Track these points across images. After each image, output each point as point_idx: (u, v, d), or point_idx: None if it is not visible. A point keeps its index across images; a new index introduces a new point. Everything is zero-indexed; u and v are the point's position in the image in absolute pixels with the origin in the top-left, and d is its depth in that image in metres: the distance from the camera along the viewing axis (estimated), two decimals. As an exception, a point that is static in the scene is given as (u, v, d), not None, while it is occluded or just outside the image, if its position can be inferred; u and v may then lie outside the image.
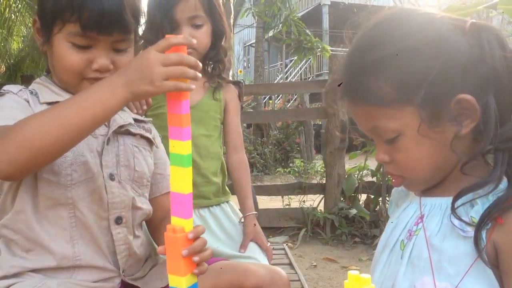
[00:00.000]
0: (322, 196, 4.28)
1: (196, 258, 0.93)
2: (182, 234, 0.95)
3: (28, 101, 1.09)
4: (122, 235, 1.15)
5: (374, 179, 4.33)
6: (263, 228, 1.70)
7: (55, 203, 1.07)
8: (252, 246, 1.59)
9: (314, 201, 4.36)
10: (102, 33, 1.07)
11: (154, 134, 1.30)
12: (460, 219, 0.77)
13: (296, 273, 2.34)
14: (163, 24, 1.51)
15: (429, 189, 0.89)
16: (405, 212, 0.91)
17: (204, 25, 1.55)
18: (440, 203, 0.84)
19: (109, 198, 1.12)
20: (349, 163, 4.59)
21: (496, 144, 0.77)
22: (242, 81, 1.83)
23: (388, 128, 0.82)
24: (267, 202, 5.01)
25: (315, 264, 3.44)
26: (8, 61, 8.19)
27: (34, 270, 1.08)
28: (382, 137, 0.84)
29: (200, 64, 0.94)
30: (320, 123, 9.73)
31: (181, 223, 0.95)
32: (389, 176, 4.04)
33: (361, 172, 4.40)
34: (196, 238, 0.96)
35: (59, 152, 1.00)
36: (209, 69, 1.68)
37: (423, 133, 0.80)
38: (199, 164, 1.62)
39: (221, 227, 1.65)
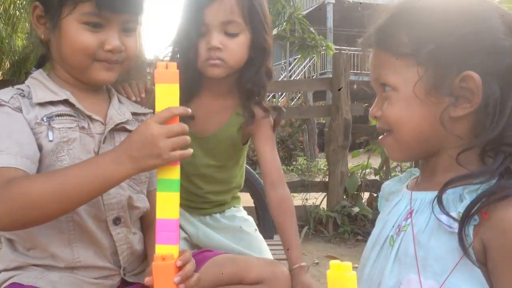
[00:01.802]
0: (324, 194, 4.28)
1: (181, 286, 0.93)
2: (172, 261, 0.94)
3: (21, 109, 1.06)
4: (122, 235, 1.14)
5: (377, 177, 4.34)
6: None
7: None
8: (255, 243, 1.56)
9: (317, 199, 4.36)
10: (116, 11, 1.06)
11: None
12: (446, 213, 0.75)
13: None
14: (190, 28, 1.28)
15: (421, 184, 0.88)
16: (396, 207, 0.90)
17: (240, 34, 1.28)
18: (430, 198, 0.82)
19: (105, 200, 1.10)
20: (352, 162, 4.59)
21: (503, 147, 0.75)
22: (282, 108, 1.47)
23: (389, 81, 0.84)
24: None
25: (317, 261, 3.44)
26: (13, 58, 8.20)
27: (35, 264, 1.09)
28: (382, 89, 0.86)
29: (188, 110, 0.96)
30: (324, 121, 9.72)
31: (169, 250, 0.94)
32: (392, 175, 4.06)
33: (364, 171, 4.41)
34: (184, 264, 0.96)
35: (56, 217, 1.02)
36: (244, 91, 1.36)
37: (418, 95, 0.80)
38: (202, 188, 1.51)
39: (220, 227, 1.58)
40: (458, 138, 0.80)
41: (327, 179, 4.34)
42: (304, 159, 8.88)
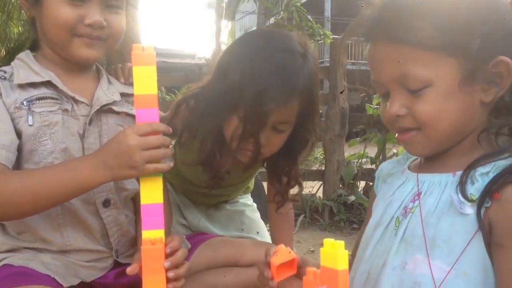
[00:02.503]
0: (321, 182, 4.29)
1: (171, 274, 0.92)
2: (161, 245, 0.93)
3: (0, 94, 1.04)
4: (112, 217, 1.13)
5: (373, 166, 4.34)
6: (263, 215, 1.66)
7: None
8: (255, 228, 1.56)
9: (313, 187, 4.37)
10: None
11: None
12: (464, 194, 0.76)
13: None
14: (250, 117, 1.10)
15: (426, 166, 0.88)
16: (401, 189, 0.89)
17: (286, 131, 1.18)
18: (439, 180, 0.82)
19: None
20: (349, 151, 4.60)
21: None
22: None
23: (419, 76, 0.78)
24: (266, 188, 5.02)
25: (312, 249, 3.45)
26: (8, 45, 8.14)
27: (26, 248, 1.08)
28: (406, 86, 0.80)
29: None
30: (321, 111, 9.72)
31: (155, 235, 0.94)
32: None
33: (360, 160, 4.42)
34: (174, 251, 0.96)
35: (30, 215, 1.02)
36: (275, 178, 1.30)
37: (455, 88, 0.77)
38: (211, 194, 1.47)
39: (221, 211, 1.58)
40: (482, 123, 0.81)
41: (323, 168, 4.34)
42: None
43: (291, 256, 0.84)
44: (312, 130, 1.23)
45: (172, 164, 0.95)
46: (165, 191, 1.25)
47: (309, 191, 4.32)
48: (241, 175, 1.40)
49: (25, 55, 1.13)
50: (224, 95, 1.13)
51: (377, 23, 0.83)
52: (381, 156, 4.29)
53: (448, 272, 0.75)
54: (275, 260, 0.83)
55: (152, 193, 0.94)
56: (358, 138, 4.51)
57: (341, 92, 3.96)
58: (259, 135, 1.12)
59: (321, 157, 6.30)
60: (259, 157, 1.18)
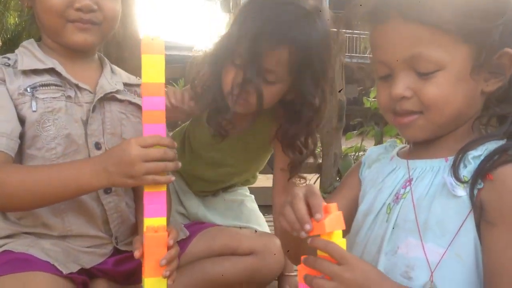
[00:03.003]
0: (318, 175, 4.30)
1: (167, 273, 0.94)
2: (165, 232, 0.95)
3: (4, 80, 1.06)
4: (113, 204, 1.15)
5: (370, 159, 4.35)
6: (260, 206, 1.67)
7: None
8: (254, 218, 1.57)
9: (310, 180, 4.37)
10: None
11: None
12: (457, 176, 0.77)
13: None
14: (247, 63, 1.12)
15: (417, 152, 0.88)
16: (392, 176, 0.89)
17: (277, 83, 1.16)
18: (431, 166, 0.83)
19: None
20: (346, 144, 4.60)
21: None
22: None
23: (432, 59, 0.78)
24: (264, 180, 5.01)
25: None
26: (5, 36, 8.11)
27: (26, 232, 1.09)
28: (416, 68, 0.79)
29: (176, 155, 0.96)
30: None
31: (157, 222, 0.96)
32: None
33: (357, 153, 4.42)
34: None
35: (32, 209, 1.05)
36: (287, 143, 1.27)
37: (465, 73, 0.78)
38: (216, 183, 1.53)
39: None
40: (477, 112, 0.83)
41: (320, 161, 4.35)
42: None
43: (339, 217, 0.73)
44: (317, 93, 1.19)
45: (173, 179, 0.97)
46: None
47: (306, 184, 4.33)
48: (246, 144, 1.39)
49: (29, 43, 1.15)
50: (224, 44, 1.18)
51: (391, 2, 0.81)
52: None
53: (443, 255, 0.76)
54: (328, 226, 0.70)
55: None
56: (355, 131, 4.51)
57: (339, 91, 3.95)
58: (253, 82, 1.12)
59: (318, 150, 6.33)
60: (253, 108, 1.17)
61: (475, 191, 0.75)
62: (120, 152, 0.95)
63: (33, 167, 1.04)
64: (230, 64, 1.16)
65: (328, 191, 4.11)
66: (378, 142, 4.26)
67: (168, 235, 0.96)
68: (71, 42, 1.11)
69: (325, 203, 0.72)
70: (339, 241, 0.72)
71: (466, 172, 0.77)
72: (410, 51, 0.79)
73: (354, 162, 4.21)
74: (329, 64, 1.18)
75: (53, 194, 1.00)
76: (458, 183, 0.77)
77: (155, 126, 0.96)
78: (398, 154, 0.94)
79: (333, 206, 0.71)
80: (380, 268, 0.81)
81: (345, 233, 0.94)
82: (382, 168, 0.94)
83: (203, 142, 1.40)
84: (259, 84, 1.13)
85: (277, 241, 1.32)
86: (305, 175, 4.50)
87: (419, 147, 0.89)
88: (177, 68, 4.53)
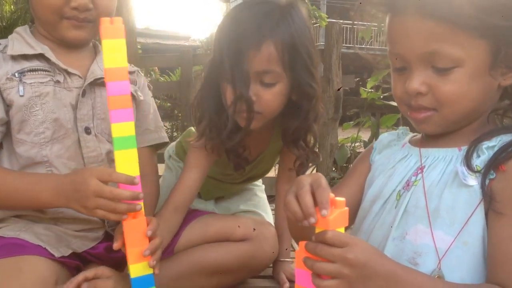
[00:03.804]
0: (314, 165, 4.31)
1: (153, 263, 0.96)
2: (142, 217, 0.96)
3: None
4: None
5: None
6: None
7: (32, 162, 1.07)
8: (262, 206, 1.56)
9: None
10: None
11: (140, 85, 1.27)
12: (470, 165, 0.77)
13: (293, 246, 2.37)
14: (235, 78, 1.08)
15: (430, 141, 0.88)
16: (403, 163, 0.89)
17: (277, 83, 1.11)
18: (444, 155, 0.83)
19: (84, 153, 1.11)
20: (342, 135, 4.61)
21: None
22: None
23: (451, 56, 0.77)
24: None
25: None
26: (1, 24, 8.04)
27: (17, 216, 1.09)
28: (434, 64, 0.78)
29: (141, 195, 0.95)
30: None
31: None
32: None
33: (353, 143, 4.43)
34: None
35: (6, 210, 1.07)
36: (289, 137, 1.23)
37: (483, 70, 0.77)
38: (230, 190, 1.54)
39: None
40: (493, 105, 0.83)
41: (316, 151, 4.35)
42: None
43: (345, 214, 0.70)
44: (312, 83, 1.15)
45: (124, 217, 0.95)
46: (152, 170, 1.25)
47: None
48: (262, 157, 1.37)
49: (23, 29, 1.15)
50: (213, 66, 1.15)
51: None
52: (374, 139, 4.30)
53: (452, 243, 0.76)
54: (333, 223, 0.68)
55: (127, 166, 0.95)
56: (352, 122, 4.52)
57: (338, 89, 3.94)
58: (248, 92, 1.08)
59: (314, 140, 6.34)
60: (262, 118, 1.14)
61: (487, 181, 0.75)
62: (80, 181, 0.95)
63: (8, 172, 1.05)
64: (223, 84, 1.12)
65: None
66: (375, 132, 4.26)
67: (147, 225, 0.97)
68: (65, 38, 1.12)
69: (332, 196, 0.70)
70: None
71: (479, 161, 0.77)
72: (428, 47, 0.78)
73: (351, 153, 4.23)
74: (314, 51, 1.15)
75: (22, 203, 1.03)
76: (470, 172, 0.77)
77: (122, 112, 0.95)
78: (410, 142, 0.94)
79: (341, 201, 0.69)
80: (387, 254, 0.80)
81: (352, 219, 0.94)
82: (393, 155, 0.93)
83: (219, 173, 1.41)
84: (259, 89, 1.10)
85: (272, 228, 1.34)
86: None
87: (432, 137, 0.88)
88: (173, 58, 4.51)
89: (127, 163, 0.95)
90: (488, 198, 0.74)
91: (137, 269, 0.95)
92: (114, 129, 0.94)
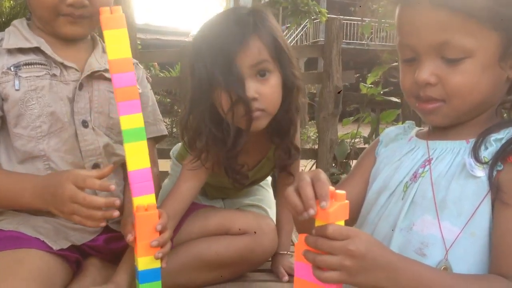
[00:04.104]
0: (314, 161, 4.30)
1: (159, 255, 0.95)
2: (155, 211, 0.95)
3: None
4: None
5: (366, 145, 4.36)
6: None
7: (29, 156, 1.07)
8: (267, 200, 1.56)
9: (306, 166, 4.39)
10: None
11: (138, 77, 1.26)
12: (477, 157, 0.77)
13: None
14: (229, 83, 1.07)
15: (437, 134, 0.88)
16: (410, 156, 0.89)
17: (272, 73, 1.12)
18: (452, 147, 0.83)
19: (82, 146, 1.11)
20: (342, 130, 4.60)
21: None
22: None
23: (461, 47, 0.76)
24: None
25: (305, 227, 3.49)
26: (0, 20, 8.03)
27: (16, 210, 1.09)
28: (444, 55, 0.78)
29: (118, 202, 0.94)
30: (315, 91, 9.70)
31: (146, 200, 0.94)
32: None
33: (353, 139, 4.43)
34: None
35: None
36: (275, 131, 1.22)
37: (493, 62, 0.77)
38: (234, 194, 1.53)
39: None
40: (502, 98, 0.82)
41: (316, 147, 4.35)
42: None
43: (346, 208, 0.70)
44: (296, 73, 1.17)
45: (102, 224, 0.96)
46: (152, 163, 1.26)
47: (302, 169, 4.34)
48: (259, 164, 1.35)
49: (19, 22, 1.15)
50: (199, 84, 1.12)
51: None
52: (374, 135, 4.30)
53: (459, 234, 0.76)
54: (333, 216, 0.68)
55: (138, 159, 0.94)
56: (352, 117, 4.51)
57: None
58: (245, 92, 1.08)
59: (314, 136, 6.32)
60: (267, 115, 1.13)
61: (494, 173, 0.75)
62: (57, 185, 0.96)
63: None
64: (220, 94, 1.10)
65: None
66: (374, 128, 4.26)
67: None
68: (61, 34, 1.12)
69: (333, 189, 0.69)
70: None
71: (487, 153, 0.77)
72: (439, 38, 0.77)
73: (350, 149, 4.23)
74: (287, 46, 1.16)
75: (6, 202, 1.04)
76: (478, 164, 0.77)
77: (129, 103, 0.94)
78: (416, 136, 0.93)
79: (342, 194, 0.69)
80: (393, 245, 0.81)
81: (357, 213, 0.94)
82: (400, 148, 0.93)
83: (220, 184, 1.41)
84: (257, 85, 1.10)
85: (271, 222, 1.35)
86: (301, 161, 4.52)
87: (440, 129, 0.88)
88: (173, 53, 4.50)
89: (138, 155, 0.94)
90: (495, 189, 0.74)
91: (145, 262, 0.95)
92: (123, 122, 0.93)
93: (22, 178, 1.03)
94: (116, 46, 0.93)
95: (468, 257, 0.76)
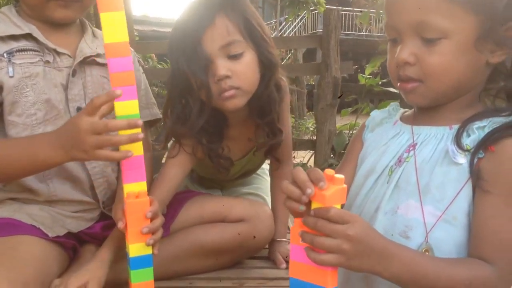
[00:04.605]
0: (312, 152, 4.30)
1: (151, 242, 0.94)
2: (146, 197, 0.93)
3: None
4: (98, 169, 1.14)
5: (364, 136, 4.36)
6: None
7: None
8: (264, 188, 1.56)
9: (304, 157, 4.39)
10: None
11: None
12: (460, 144, 0.78)
13: (289, 227, 2.38)
14: (191, 66, 1.08)
15: (421, 118, 0.89)
16: (395, 140, 0.90)
17: (244, 52, 1.11)
18: (436, 132, 0.85)
19: None
20: (340, 121, 4.60)
21: None
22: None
23: (438, 27, 0.77)
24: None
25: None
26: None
27: (12, 198, 1.09)
28: (422, 35, 0.79)
29: (140, 122, 0.90)
30: (313, 83, 9.69)
31: (137, 188, 0.93)
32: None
33: (351, 130, 4.43)
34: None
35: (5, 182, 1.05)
36: (256, 111, 1.22)
37: (470, 43, 0.78)
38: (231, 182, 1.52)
39: None
40: (482, 82, 0.83)
41: (315, 138, 4.35)
42: (292, 117, 8.89)
43: (343, 192, 0.69)
44: (272, 51, 1.16)
45: (130, 154, 0.91)
46: (146, 147, 1.26)
47: (301, 161, 4.34)
48: (249, 153, 1.35)
49: (7, 9, 1.13)
50: (174, 75, 1.14)
51: None
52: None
53: (439, 217, 0.78)
54: (329, 199, 0.67)
55: (131, 146, 0.92)
56: (350, 108, 4.51)
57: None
58: (217, 69, 1.08)
59: (313, 127, 6.32)
60: (243, 94, 1.12)
61: (475, 160, 0.77)
62: (69, 126, 0.93)
63: (2, 141, 1.03)
64: (202, 73, 1.10)
65: (322, 168, 4.11)
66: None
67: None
68: (52, 18, 1.10)
69: (332, 172, 0.69)
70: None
71: (469, 141, 0.78)
72: (416, 17, 0.79)
73: (348, 139, 4.23)
74: (262, 22, 1.17)
75: (23, 169, 0.99)
76: (460, 151, 0.78)
77: (125, 89, 0.91)
78: (401, 119, 0.95)
79: (340, 178, 0.68)
80: (378, 227, 0.83)
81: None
82: (386, 132, 0.95)
83: (212, 175, 1.42)
84: (229, 64, 1.09)
85: (268, 209, 1.35)
86: (299, 152, 4.47)
87: (424, 113, 0.89)
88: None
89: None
90: (476, 176, 0.76)
91: (136, 249, 0.95)
92: (117, 108, 0.91)
93: (33, 138, 1.01)
94: (112, 29, 0.90)
95: (449, 240, 0.78)
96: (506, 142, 0.75)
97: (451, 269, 0.72)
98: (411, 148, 0.86)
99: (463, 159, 0.78)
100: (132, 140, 0.90)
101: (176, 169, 1.22)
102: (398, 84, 0.85)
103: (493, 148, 0.76)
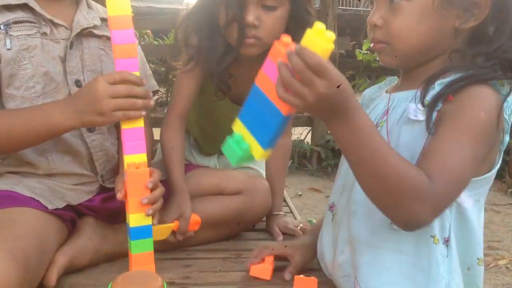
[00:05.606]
0: (309, 128, 4.31)
1: (150, 212, 0.97)
2: (146, 168, 0.96)
3: None
4: (97, 142, 1.14)
5: (362, 112, 4.36)
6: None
7: None
8: (260, 162, 1.55)
9: (301, 134, 4.39)
10: None
11: None
12: (423, 102, 0.80)
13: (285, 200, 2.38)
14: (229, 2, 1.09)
15: (399, 86, 0.92)
16: (375, 109, 0.94)
17: (279, 7, 1.11)
18: (406, 96, 0.87)
19: None
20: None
21: (496, 53, 0.80)
22: None
23: None
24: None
25: (300, 193, 3.51)
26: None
27: (11, 172, 1.09)
28: None
29: (151, 94, 0.95)
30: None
31: (138, 159, 0.96)
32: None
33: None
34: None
35: (7, 154, 1.06)
36: None
37: (432, 6, 0.80)
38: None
39: None
40: (452, 47, 0.84)
41: (312, 114, 4.34)
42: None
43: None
44: (310, 9, 1.17)
45: (144, 113, 0.95)
46: (147, 123, 1.26)
47: (298, 137, 4.35)
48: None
49: None
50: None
51: None
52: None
53: None
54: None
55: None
56: (347, 85, 4.50)
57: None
58: (247, 14, 1.09)
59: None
60: (261, 45, 1.13)
61: (435, 113, 0.78)
62: (87, 90, 0.95)
63: (7, 111, 1.03)
64: (221, 9, 1.12)
65: (319, 144, 4.13)
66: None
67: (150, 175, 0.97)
68: None
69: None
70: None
71: (429, 97, 0.80)
72: None
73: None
74: None
75: (29, 137, 1.00)
76: (422, 107, 0.80)
77: (127, 61, 0.94)
78: (386, 91, 0.97)
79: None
80: (359, 190, 0.83)
81: None
82: (371, 105, 0.98)
83: (209, 97, 1.39)
84: (261, 14, 1.11)
85: (264, 181, 1.35)
86: (296, 128, 4.46)
87: (403, 82, 0.93)
88: (167, 19, 4.44)
89: None
90: (433, 130, 0.77)
91: (136, 219, 0.96)
92: None
93: (46, 105, 1.02)
94: (116, 2, 0.92)
95: None
96: (465, 90, 0.77)
97: (398, 158, 0.73)
98: (385, 114, 0.90)
99: (423, 116, 0.80)
100: (145, 105, 0.95)
101: (190, 81, 1.25)
102: (372, 45, 0.90)
103: (451, 97, 0.77)
